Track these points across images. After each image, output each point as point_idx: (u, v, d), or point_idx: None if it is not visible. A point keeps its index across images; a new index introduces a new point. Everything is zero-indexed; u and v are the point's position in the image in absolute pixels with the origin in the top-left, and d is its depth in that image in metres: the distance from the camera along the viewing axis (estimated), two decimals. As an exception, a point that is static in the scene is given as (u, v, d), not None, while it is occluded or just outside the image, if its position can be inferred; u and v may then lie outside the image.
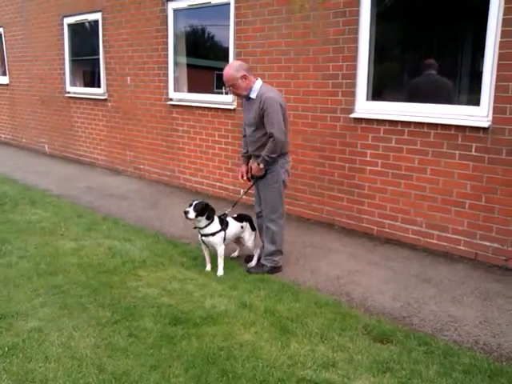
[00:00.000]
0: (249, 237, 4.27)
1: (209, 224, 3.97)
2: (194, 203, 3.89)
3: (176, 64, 7.11)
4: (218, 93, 6.80)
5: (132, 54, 7.64)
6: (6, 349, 2.83)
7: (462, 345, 3.05)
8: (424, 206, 4.68)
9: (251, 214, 4.40)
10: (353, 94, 5.04)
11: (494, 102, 4.14)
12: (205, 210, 3.92)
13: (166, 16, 6.95)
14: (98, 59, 8.35)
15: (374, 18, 4.85)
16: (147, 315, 3.26)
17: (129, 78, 7.80)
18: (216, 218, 4.04)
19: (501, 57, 4.06)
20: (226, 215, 4.15)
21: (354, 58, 4.96)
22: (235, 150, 6.21)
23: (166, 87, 7.16)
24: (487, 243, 4.33)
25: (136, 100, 7.74)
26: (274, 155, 3.89)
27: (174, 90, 7.12)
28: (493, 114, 4.17)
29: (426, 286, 3.94)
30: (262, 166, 3.95)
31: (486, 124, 4.20)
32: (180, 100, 7.04)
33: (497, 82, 4.10)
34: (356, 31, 4.91)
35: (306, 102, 5.43)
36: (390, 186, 4.89)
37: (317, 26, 5.20)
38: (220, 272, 4.05)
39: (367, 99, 5.00)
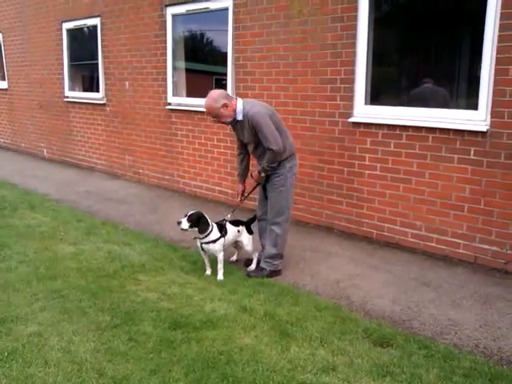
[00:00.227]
0: (247, 241, 4.27)
1: (210, 232, 3.96)
2: (189, 213, 3.87)
3: (174, 69, 7.13)
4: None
5: (131, 58, 7.66)
6: (6, 353, 2.82)
7: (462, 348, 3.05)
8: (423, 210, 4.69)
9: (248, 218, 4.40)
10: (351, 99, 5.06)
11: (492, 106, 4.16)
12: (198, 222, 3.88)
13: (165, 21, 6.98)
14: (97, 64, 8.36)
15: (372, 23, 4.88)
16: (147, 319, 3.26)
17: (127, 82, 7.81)
18: (215, 226, 4.03)
19: (498, 61, 4.08)
20: (225, 221, 4.14)
21: (352, 63, 4.99)
22: (234, 154, 6.20)
23: (165, 92, 7.17)
24: (486, 246, 4.34)
25: (135, 104, 7.76)
26: (274, 165, 3.91)
27: (173, 95, 7.13)
28: (491, 118, 4.19)
29: (426, 289, 3.94)
30: (262, 174, 3.99)
31: (484, 128, 4.21)
32: (179, 104, 7.06)
33: (494, 86, 4.12)
34: (354, 36, 4.94)
35: (305, 106, 5.45)
36: (389, 189, 4.90)
37: (315, 31, 5.23)
38: (220, 277, 4.04)
39: (365, 103, 5.02)
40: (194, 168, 6.96)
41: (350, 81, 5.03)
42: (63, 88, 9.27)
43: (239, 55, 6.05)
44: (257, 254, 4.33)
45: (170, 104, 7.16)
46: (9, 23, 10.50)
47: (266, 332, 3.14)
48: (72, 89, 9.24)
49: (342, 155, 5.21)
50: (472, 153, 4.33)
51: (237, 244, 4.35)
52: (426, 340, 3.09)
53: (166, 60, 7.09)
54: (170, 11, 6.91)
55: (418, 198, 4.71)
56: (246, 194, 4.32)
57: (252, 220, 4.37)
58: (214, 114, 3.89)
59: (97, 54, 8.32)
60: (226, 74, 6.31)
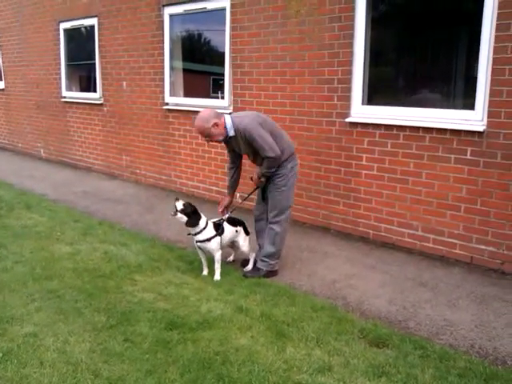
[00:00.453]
0: (243, 241, 4.27)
1: (203, 230, 3.97)
2: (188, 202, 3.97)
3: (172, 69, 7.13)
4: (215, 97, 6.81)
5: (128, 58, 7.65)
6: (1, 354, 2.80)
7: (458, 348, 3.05)
8: (420, 210, 4.69)
9: (246, 219, 4.39)
10: (348, 99, 5.06)
11: (489, 106, 4.17)
12: (191, 213, 3.91)
13: (162, 21, 6.97)
14: (94, 64, 8.36)
15: (370, 23, 4.88)
16: (143, 320, 3.25)
17: (125, 82, 7.80)
18: (210, 224, 4.03)
19: (495, 61, 4.08)
20: (223, 221, 4.14)
21: (350, 63, 4.99)
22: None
23: (162, 92, 7.17)
24: (483, 247, 4.34)
25: (132, 105, 7.75)
26: (272, 170, 3.93)
27: (170, 95, 7.13)
28: (487, 118, 4.19)
29: (422, 289, 3.94)
30: (262, 179, 4.02)
31: (480, 128, 4.22)
32: (176, 104, 7.05)
33: (491, 86, 4.13)
34: (351, 36, 4.94)
35: (302, 106, 5.45)
36: (386, 189, 4.91)
37: (312, 31, 5.23)
38: (217, 277, 4.04)
39: (363, 104, 5.02)
40: (192, 168, 6.96)
41: (348, 81, 5.03)
42: (60, 88, 9.25)
43: (236, 55, 6.05)
44: (253, 255, 4.33)
45: (167, 104, 7.15)
46: (5, 23, 10.48)
47: (262, 332, 3.14)
48: (69, 89, 9.23)
49: (339, 155, 5.21)
50: (469, 153, 4.33)
51: (234, 244, 4.34)
52: (421, 340, 3.09)
53: (163, 60, 7.08)
54: (168, 11, 6.91)
55: (415, 198, 4.71)
56: (245, 196, 4.32)
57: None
58: (205, 134, 3.93)
59: (94, 54, 8.31)
60: (223, 74, 6.31)
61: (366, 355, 2.90)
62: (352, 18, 4.90)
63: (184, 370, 2.69)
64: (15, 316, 3.26)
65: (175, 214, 3.93)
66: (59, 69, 9.18)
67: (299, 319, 3.31)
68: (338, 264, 4.49)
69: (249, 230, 4.34)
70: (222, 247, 4.09)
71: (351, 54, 4.96)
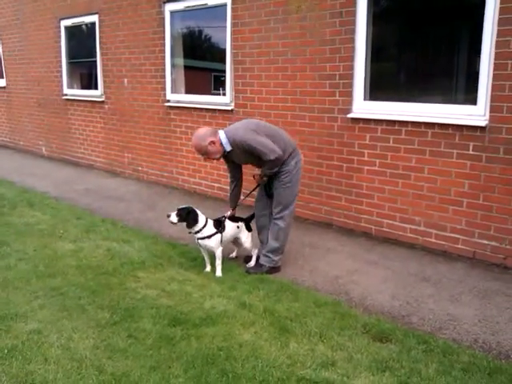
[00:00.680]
0: (245, 238, 4.28)
1: (203, 227, 3.98)
2: (180, 207, 3.94)
3: (173, 66, 7.12)
4: (216, 94, 6.81)
5: (129, 55, 7.64)
6: (6, 351, 2.82)
7: (461, 343, 3.05)
8: (422, 205, 4.69)
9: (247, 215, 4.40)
10: (350, 94, 5.05)
11: (491, 100, 4.16)
12: (187, 217, 3.92)
13: (163, 18, 6.96)
14: (95, 61, 8.35)
15: (371, 18, 4.86)
16: (146, 316, 3.26)
17: (126, 79, 7.80)
18: (210, 222, 4.04)
19: (497, 56, 4.07)
20: (225, 218, 4.15)
21: (351, 59, 4.98)
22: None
23: (164, 89, 7.16)
24: (485, 241, 4.34)
25: (133, 102, 7.74)
26: (274, 170, 3.95)
27: (172, 92, 7.12)
28: (490, 112, 4.18)
29: (425, 284, 3.95)
30: (265, 179, 4.04)
31: (483, 123, 4.21)
32: (177, 101, 7.05)
33: (493, 81, 4.12)
34: (353, 31, 4.93)
35: (304, 102, 5.44)
36: (388, 185, 4.90)
37: (313, 27, 5.22)
38: (218, 273, 4.05)
39: (364, 99, 5.01)
40: (193, 165, 6.96)
41: (349, 76, 5.02)
42: (62, 86, 9.24)
43: (237, 51, 6.04)
44: (256, 251, 4.33)
45: (168, 101, 7.14)
46: (6, 21, 10.47)
47: (265, 328, 3.15)
48: (70, 86, 9.22)
49: (341, 151, 5.21)
50: (471, 148, 4.33)
51: (236, 241, 4.35)
52: (425, 335, 3.10)
53: (164, 57, 7.07)
54: (169, 8, 6.90)
55: (417, 194, 4.71)
56: (248, 192, 4.33)
57: (251, 217, 4.38)
58: (202, 152, 3.96)
59: (95, 52, 8.30)
60: (224, 71, 6.30)
61: (369, 350, 2.91)
62: (353, 14, 4.89)
63: (188, 366, 2.70)
64: (19, 313, 3.27)
65: (175, 224, 3.94)
66: (60, 66, 9.18)
67: (302, 315, 3.32)
68: (341, 260, 4.50)
69: (251, 226, 4.34)
70: (224, 244, 4.10)
71: (353, 49, 4.95)
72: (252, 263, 4.29)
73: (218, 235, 4.02)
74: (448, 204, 4.53)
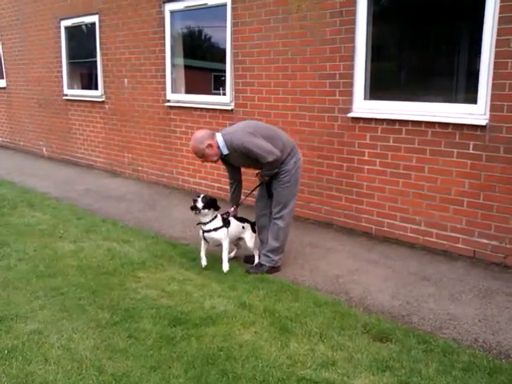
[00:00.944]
0: (250, 238, 4.28)
1: (212, 220, 4.00)
2: (202, 195, 3.99)
3: (173, 65, 7.11)
4: (216, 94, 6.80)
5: (129, 55, 7.64)
6: (6, 351, 2.82)
7: (462, 343, 3.05)
8: (422, 205, 4.69)
9: (250, 216, 4.40)
10: (350, 94, 5.05)
11: (491, 99, 4.15)
12: (213, 203, 3.99)
13: (163, 18, 6.96)
14: (96, 61, 8.35)
15: (371, 17, 4.86)
16: (146, 316, 3.26)
17: (126, 80, 7.80)
18: (219, 216, 4.08)
19: (497, 55, 4.06)
20: (228, 213, 4.19)
21: (351, 58, 4.97)
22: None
23: (164, 89, 7.16)
24: (486, 241, 4.34)
25: (134, 102, 7.74)
26: (274, 170, 3.95)
27: (172, 92, 7.12)
28: (490, 111, 4.18)
29: (425, 284, 3.94)
30: (266, 178, 4.05)
31: (483, 122, 4.20)
32: (178, 101, 7.04)
33: (494, 79, 4.11)
34: (353, 31, 4.92)
35: (304, 101, 5.44)
36: (389, 184, 4.90)
37: (314, 26, 5.21)
38: (225, 267, 4.06)
39: (365, 98, 5.00)
40: (193, 165, 6.96)
41: (349, 76, 5.02)
42: (62, 86, 9.25)
43: (238, 51, 6.03)
44: (257, 251, 4.33)
45: (168, 101, 7.14)
46: (6, 21, 10.48)
47: (265, 328, 3.15)
48: (71, 87, 9.23)
49: (342, 151, 5.20)
50: (471, 147, 4.32)
51: (238, 241, 4.36)
52: (425, 335, 3.10)
53: (164, 57, 7.07)
54: (169, 8, 6.90)
55: (418, 193, 4.70)
56: (248, 192, 4.33)
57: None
58: (200, 155, 3.98)
59: (95, 52, 8.30)
60: (224, 71, 6.30)
61: (369, 350, 2.90)
62: (353, 13, 4.88)
63: (188, 366, 2.70)
64: (19, 313, 3.27)
65: (198, 211, 3.95)
66: (60, 66, 9.18)
67: (302, 314, 3.32)
68: (341, 259, 4.49)
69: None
70: (228, 240, 4.12)
71: (353, 48, 4.95)
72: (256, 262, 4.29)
73: (225, 229, 4.06)
74: (448, 203, 4.52)
